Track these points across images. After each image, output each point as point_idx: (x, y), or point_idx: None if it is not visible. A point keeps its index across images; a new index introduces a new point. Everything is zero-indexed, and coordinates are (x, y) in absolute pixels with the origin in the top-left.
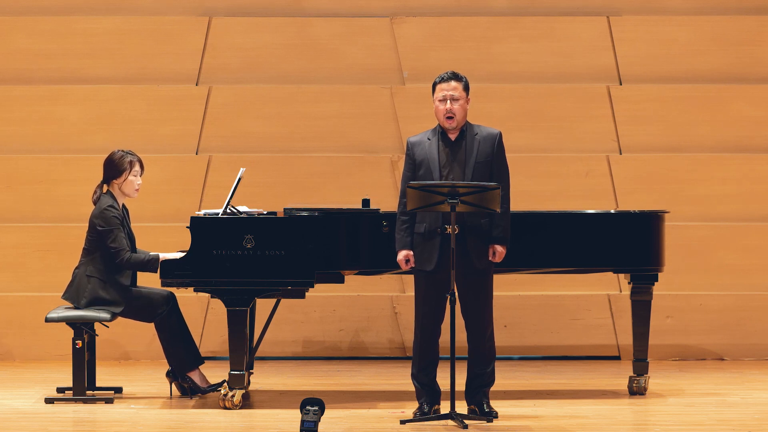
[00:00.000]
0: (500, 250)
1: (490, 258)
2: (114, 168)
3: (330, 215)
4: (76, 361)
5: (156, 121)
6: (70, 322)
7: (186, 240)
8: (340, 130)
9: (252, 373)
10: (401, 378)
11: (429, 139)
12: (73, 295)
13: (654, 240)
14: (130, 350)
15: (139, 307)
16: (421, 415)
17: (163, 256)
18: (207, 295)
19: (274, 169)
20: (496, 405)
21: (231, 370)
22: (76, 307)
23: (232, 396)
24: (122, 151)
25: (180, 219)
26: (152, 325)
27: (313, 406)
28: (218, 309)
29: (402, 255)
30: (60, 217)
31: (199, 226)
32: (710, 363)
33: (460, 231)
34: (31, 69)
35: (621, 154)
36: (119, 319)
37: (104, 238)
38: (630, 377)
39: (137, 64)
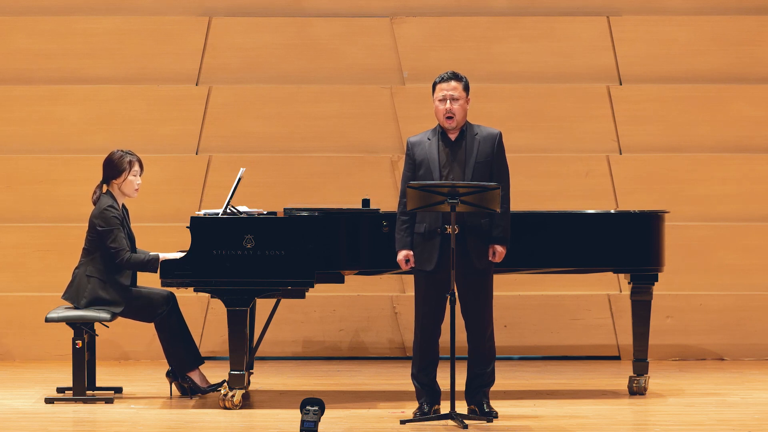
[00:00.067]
0: (500, 250)
1: (490, 258)
2: (113, 168)
3: (330, 215)
4: (76, 361)
5: (156, 121)
6: (70, 322)
7: (186, 240)
8: (340, 130)
9: (252, 373)
10: (401, 378)
11: (429, 139)
12: (73, 295)
13: (654, 240)
14: (130, 350)
15: (139, 307)
16: (421, 415)
17: (163, 256)
18: (207, 295)
19: (274, 169)
20: (496, 405)
21: (231, 370)
22: (76, 307)
23: (232, 396)
24: (122, 151)
25: (180, 219)
26: (152, 325)
27: (313, 406)
28: (218, 309)
29: (402, 255)
30: (60, 217)
31: (199, 226)
32: (710, 363)
33: (460, 231)
34: (31, 69)
35: (621, 154)
36: (119, 319)
37: (104, 238)
38: (630, 377)
39: (137, 64)
